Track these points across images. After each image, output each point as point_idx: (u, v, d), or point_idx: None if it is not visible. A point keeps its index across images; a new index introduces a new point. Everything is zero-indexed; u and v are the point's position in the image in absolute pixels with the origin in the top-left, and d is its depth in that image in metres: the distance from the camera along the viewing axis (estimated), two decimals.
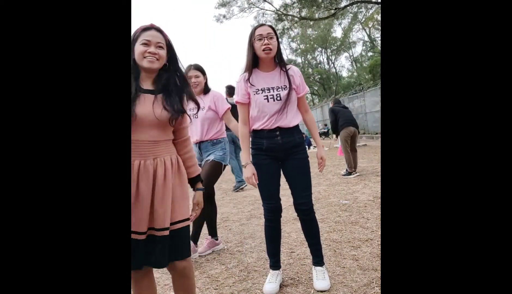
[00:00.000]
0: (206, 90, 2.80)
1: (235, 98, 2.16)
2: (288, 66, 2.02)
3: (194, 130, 2.77)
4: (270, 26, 1.97)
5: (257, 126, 2.01)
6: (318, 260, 2.07)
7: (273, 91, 1.95)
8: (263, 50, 1.90)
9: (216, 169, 2.70)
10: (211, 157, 2.70)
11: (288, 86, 1.95)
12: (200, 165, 2.72)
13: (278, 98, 1.94)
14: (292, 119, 1.99)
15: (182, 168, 1.54)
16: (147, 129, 1.43)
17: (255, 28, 1.97)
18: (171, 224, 1.44)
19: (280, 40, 2.01)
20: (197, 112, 2.63)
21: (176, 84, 1.53)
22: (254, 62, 1.98)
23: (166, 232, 1.41)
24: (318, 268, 2.05)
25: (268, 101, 1.94)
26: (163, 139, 1.48)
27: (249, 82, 1.96)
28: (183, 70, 1.60)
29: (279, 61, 1.99)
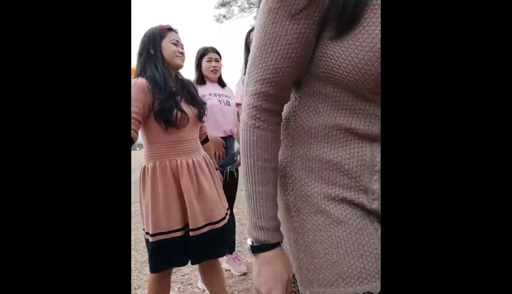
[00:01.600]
0: (222, 82, 2.32)
1: (236, 100, 2.16)
2: None
3: (223, 121, 2.20)
4: None
5: None
6: None
7: None
8: None
9: None
10: None
11: None
12: (224, 170, 2.26)
13: None
14: None
15: (211, 167, 1.57)
16: (192, 127, 1.49)
17: (250, 31, 1.99)
18: (211, 223, 1.46)
19: None
20: (226, 99, 2.21)
21: (186, 80, 1.60)
22: None
23: (206, 229, 1.44)
24: None
25: None
26: (197, 136, 1.55)
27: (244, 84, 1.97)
28: None
29: None
